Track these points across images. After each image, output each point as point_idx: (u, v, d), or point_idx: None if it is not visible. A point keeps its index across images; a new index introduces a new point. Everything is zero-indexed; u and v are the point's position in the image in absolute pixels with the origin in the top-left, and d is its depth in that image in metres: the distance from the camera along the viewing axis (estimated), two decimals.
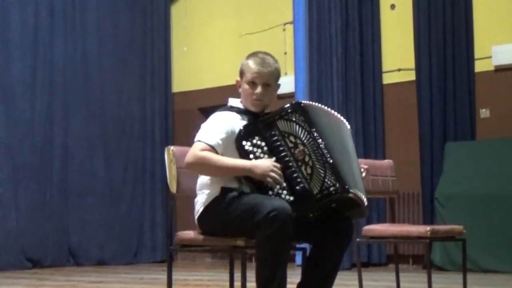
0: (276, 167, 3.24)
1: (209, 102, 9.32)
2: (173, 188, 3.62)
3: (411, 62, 8.44)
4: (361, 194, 3.33)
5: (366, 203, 3.35)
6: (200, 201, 3.44)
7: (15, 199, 8.53)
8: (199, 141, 3.36)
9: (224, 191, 3.36)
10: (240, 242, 3.30)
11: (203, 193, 3.43)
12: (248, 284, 3.28)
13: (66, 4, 9.21)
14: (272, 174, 3.23)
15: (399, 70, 8.66)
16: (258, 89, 3.44)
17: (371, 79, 8.63)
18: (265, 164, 3.25)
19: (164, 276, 4.27)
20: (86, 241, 9.12)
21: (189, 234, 3.55)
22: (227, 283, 3.79)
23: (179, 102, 10.33)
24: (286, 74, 9.32)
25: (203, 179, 3.45)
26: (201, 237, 3.48)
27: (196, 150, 3.33)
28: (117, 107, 9.67)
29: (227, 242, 3.36)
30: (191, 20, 10.35)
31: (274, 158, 3.29)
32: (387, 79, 8.73)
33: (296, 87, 8.30)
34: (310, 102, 3.54)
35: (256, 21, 9.67)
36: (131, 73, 9.88)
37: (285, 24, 9.35)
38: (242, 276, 3.31)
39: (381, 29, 8.77)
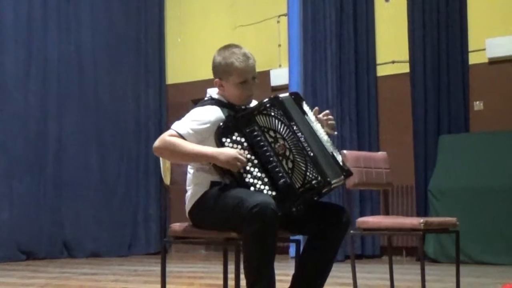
0: (241, 154, 3.22)
1: (203, 94, 9.23)
2: (166, 180, 3.62)
3: (405, 55, 8.45)
4: (341, 178, 3.32)
5: (347, 174, 3.36)
6: (190, 196, 3.44)
7: (9, 192, 8.52)
8: (170, 129, 3.38)
9: (213, 185, 3.35)
10: (234, 234, 3.29)
11: (192, 188, 3.43)
12: (242, 276, 3.28)
13: None
14: (237, 161, 3.20)
15: (393, 62, 8.67)
16: (251, 86, 3.44)
17: (365, 71, 8.63)
18: (230, 151, 3.24)
19: (158, 268, 4.27)
20: (80, 234, 9.11)
21: (183, 226, 3.55)
22: (221, 275, 3.80)
23: (173, 95, 10.31)
24: (280, 66, 9.33)
25: (191, 175, 3.45)
26: (195, 229, 3.47)
27: (165, 136, 3.34)
28: (111, 100, 9.65)
29: (221, 234, 3.36)
30: (185, 12, 10.33)
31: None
32: (381, 71, 8.73)
33: (290, 79, 8.30)
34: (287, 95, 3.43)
35: (251, 13, 9.65)
36: (125, 65, 9.86)
37: (279, 16, 9.33)
38: (235, 268, 3.31)
39: (376, 22, 8.76)
